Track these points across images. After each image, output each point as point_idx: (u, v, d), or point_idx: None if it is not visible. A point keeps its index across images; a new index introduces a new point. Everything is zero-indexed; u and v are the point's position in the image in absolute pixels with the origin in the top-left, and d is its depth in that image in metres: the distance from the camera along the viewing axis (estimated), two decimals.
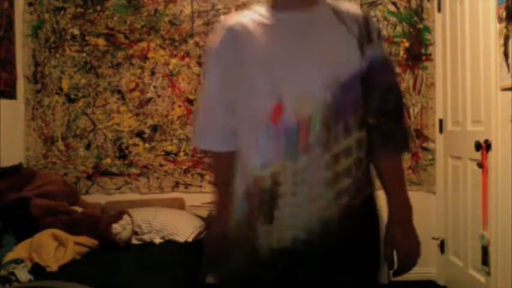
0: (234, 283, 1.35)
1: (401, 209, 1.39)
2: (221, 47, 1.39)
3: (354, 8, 1.39)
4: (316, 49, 1.29)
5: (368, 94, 1.32)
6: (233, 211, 1.38)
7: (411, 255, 1.40)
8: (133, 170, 3.73)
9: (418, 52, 3.69)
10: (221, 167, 1.43)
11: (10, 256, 2.47)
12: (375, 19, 1.60)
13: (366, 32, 1.33)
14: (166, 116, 3.71)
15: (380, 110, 1.33)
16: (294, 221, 1.26)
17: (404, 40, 3.69)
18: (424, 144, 3.70)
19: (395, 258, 1.38)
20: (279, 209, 1.26)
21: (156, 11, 3.70)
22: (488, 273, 2.80)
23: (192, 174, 3.72)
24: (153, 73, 3.71)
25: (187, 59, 3.71)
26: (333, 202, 1.27)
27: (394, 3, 3.69)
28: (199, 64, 3.70)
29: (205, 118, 1.43)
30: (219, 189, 1.45)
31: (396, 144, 1.38)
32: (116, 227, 2.89)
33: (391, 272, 1.42)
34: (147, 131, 3.72)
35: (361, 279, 1.33)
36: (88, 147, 3.72)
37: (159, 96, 3.71)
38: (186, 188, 3.72)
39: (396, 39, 3.69)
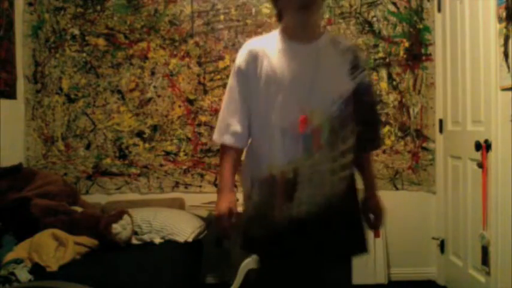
0: (262, 244, 1.81)
1: (374, 188, 1.98)
2: (243, 66, 1.83)
3: (346, 42, 1.94)
4: (325, 75, 1.74)
5: (355, 110, 1.79)
6: (255, 194, 1.82)
7: (381, 216, 1.94)
8: (133, 170, 3.73)
9: (418, 52, 3.70)
10: (229, 159, 1.85)
11: (10, 256, 2.47)
12: (361, 51, 2.18)
13: (355, 61, 1.80)
14: (166, 116, 3.71)
15: (363, 122, 1.82)
16: (309, 199, 1.74)
17: (404, 40, 3.69)
18: (424, 144, 3.70)
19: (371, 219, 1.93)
20: (298, 191, 1.74)
21: (156, 11, 3.70)
22: (488, 273, 2.80)
23: (192, 174, 3.72)
24: (153, 73, 3.71)
25: (187, 59, 3.71)
26: (336, 185, 1.77)
27: (394, 3, 3.69)
28: (199, 64, 3.71)
29: (224, 121, 1.86)
30: (226, 172, 1.85)
31: (372, 146, 1.96)
32: (116, 227, 2.89)
33: (369, 228, 1.93)
34: (147, 131, 3.72)
35: (351, 231, 1.85)
36: (88, 147, 3.72)
37: (159, 96, 3.72)
38: (186, 188, 3.73)
39: (396, 39, 3.69)
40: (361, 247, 1.86)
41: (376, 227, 1.93)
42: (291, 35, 1.81)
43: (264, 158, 1.79)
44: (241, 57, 1.85)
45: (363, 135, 1.83)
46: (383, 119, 3.70)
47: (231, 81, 1.87)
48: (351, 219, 1.85)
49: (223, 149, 1.87)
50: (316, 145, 1.74)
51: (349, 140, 1.78)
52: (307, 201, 1.74)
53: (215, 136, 1.89)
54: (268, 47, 1.82)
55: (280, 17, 1.87)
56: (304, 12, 1.74)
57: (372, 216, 1.93)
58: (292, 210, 1.74)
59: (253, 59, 1.81)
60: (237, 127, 1.83)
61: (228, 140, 1.84)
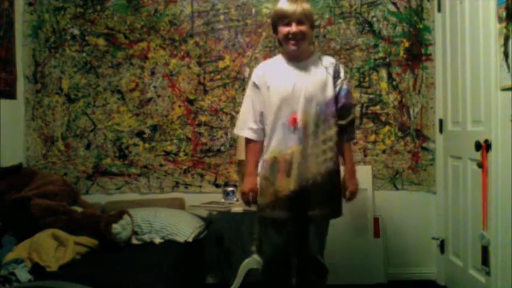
0: (266, 210, 2.52)
1: (351, 171, 2.58)
2: (256, 81, 2.55)
3: (330, 59, 2.60)
4: (311, 85, 2.46)
5: (336, 109, 2.52)
6: (264, 170, 2.51)
7: (356, 191, 2.58)
8: (133, 170, 3.73)
9: (418, 52, 3.70)
10: (250, 149, 2.58)
11: (10, 256, 2.47)
12: (342, 65, 2.64)
13: (336, 73, 2.52)
14: (166, 116, 3.72)
15: (342, 118, 2.53)
16: (301, 175, 2.43)
17: (404, 40, 3.69)
18: (424, 144, 3.70)
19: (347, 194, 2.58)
20: (294, 169, 2.43)
21: (156, 11, 3.70)
22: (488, 273, 2.80)
23: (192, 174, 3.72)
24: (153, 73, 3.71)
25: (187, 59, 3.71)
26: (321, 165, 2.46)
27: (394, 3, 3.69)
28: (199, 64, 3.71)
29: (243, 120, 2.60)
30: (249, 160, 2.57)
31: (348, 138, 2.58)
32: (116, 227, 2.89)
33: (345, 200, 2.59)
34: (147, 131, 3.72)
35: (330, 201, 2.52)
36: (88, 147, 3.72)
37: (159, 96, 3.72)
38: (186, 188, 3.73)
39: (396, 39, 3.69)
40: (337, 213, 2.56)
41: (350, 199, 2.58)
42: (288, 57, 2.54)
43: (270, 145, 2.50)
44: (255, 74, 2.59)
45: (342, 130, 2.52)
46: (383, 119, 3.70)
47: (248, 92, 2.60)
48: (331, 191, 2.50)
49: (246, 142, 2.60)
50: (304, 136, 2.43)
51: (329, 131, 2.47)
52: (300, 177, 2.42)
53: (236, 130, 2.67)
54: (274, 67, 2.55)
55: (280, 44, 2.58)
56: (294, 44, 2.46)
57: (347, 192, 2.56)
58: (289, 183, 2.43)
59: (263, 75, 2.54)
60: (252, 124, 2.55)
61: (246, 133, 2.56)
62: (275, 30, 2.54)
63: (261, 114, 2.54)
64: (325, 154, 2.45)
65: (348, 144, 2.59)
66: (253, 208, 2.69)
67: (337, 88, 2.50)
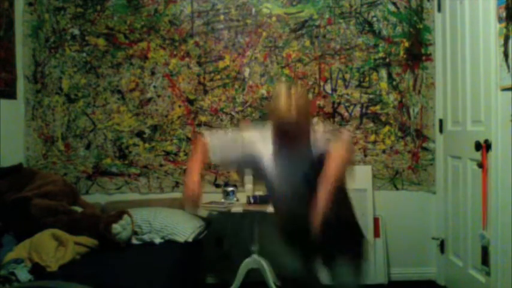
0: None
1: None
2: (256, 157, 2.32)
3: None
4: (299, 166, 2.25)
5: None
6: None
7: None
8: (133, 170, 3.73)
9: (418, 52, 3.70)
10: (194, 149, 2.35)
11: (10, 256, 2.47)
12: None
13: (321, 156, 2.17)
14: (166, 116, 3.71)
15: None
16: (292, 229, 2.30)
17: (404, 40, 3.69)
18: (424, 144, 3.70)
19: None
20: (288, 225, 2.32)
21: (156, 11, 3.70)
22: (488, 273, 2.80)
23: None
24: (153, 73, 3.71)
25: (187, 59, 3.71)
26: (306, 222, 2.11)
27: (394, 3, 3.69)
28: (199, 64, 3.71)
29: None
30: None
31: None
32: (116, 227, 2.89)
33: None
34: (147, 131, 3.72)
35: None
36: (88, 147, 3.72)
37: (159, 96, 3.71)
38: None
39: (396, 39, 3.69)
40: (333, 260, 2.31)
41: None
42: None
43: (274, 206, 2.44)
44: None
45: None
46: (383, 119, 3.70)
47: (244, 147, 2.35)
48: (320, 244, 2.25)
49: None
50: (294, 200, 2.25)
51: (312, 194, 2.14)
52: (291, 230, 2.32)
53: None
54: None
55: None
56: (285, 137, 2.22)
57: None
58: (287, 235, 2.36)
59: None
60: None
61: (207, 136, 2.30)
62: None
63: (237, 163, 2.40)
64: (309, 212, 2.20)
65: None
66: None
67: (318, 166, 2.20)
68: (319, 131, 2.28)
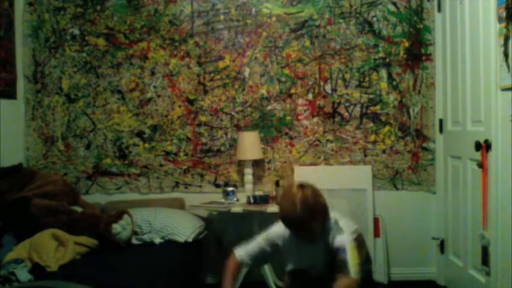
0: None
1: None
2: (270, 242, 2.47)
3: (336, 238, 2.33)
4: (317, 258, 2.35)
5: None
6: None
7: None
8: (133, 170, 3.73)
9: (418, 52, 3.69)
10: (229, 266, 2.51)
11: (10, 256, 2.47)
12: (345, 244, 2.32)
13: (335, 252, 2.27)
14: (166, 116, 3.71)
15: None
16: None
17: (404, 40, 3.69)
18: (424, 144, 3.70)
19: None
20: None
21: (156, 11, 3.70)
22: (488, 273, 2.80)
23: (192, 174, 3.72)
24: (153, 73, 3.71)
25: (187, 59, 3.71)
26: None
27: (394, 3, 3.69)
28: (199, 64, 3.71)
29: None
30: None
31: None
32: (116, 227, 2.88)
33: None
34: (147, 131, 3.72)
35: None
36: (88, 147, 3.72)
37: (159, 96, 3.71)
38: (186, 188, 3.73)
39: (396, 39, 3.69)
40: None
41: None
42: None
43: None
44: (273, 237, 2.46)
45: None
46: (383, 119, 3.70)
47: (263, 237, 2.49)
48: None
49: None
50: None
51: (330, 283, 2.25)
52: None
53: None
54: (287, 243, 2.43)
55: None
56: (297, 234, 2.34)
57: None
58: None
59: (277, 246, 2.45)
60: (244, 252, 2.49)
61: (236, 252, 2.51)
62: None
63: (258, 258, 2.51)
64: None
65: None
66: None
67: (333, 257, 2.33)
68: (343, 230, 2.32)
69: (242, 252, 2.50)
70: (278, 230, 2.44)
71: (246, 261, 2.49)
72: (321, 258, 2.35)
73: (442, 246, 3.58)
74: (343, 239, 2.29)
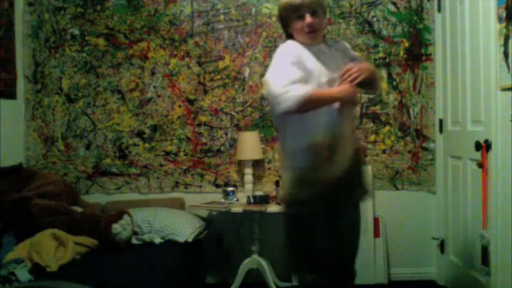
0: (309, 205, 2.16)
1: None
2: (293, 60, 2.16)
3: (336, 40, 2.80)
4: (336, 67, 2.24)
5: None
6: (301, 158, 2.16)
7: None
8: (133, 170, 3.73)
9: (418, 52, 3.69)
10: (317, 93, 2.15)
11: (10, 256, 2.47)
12: (344, 41, 2.52)
13: (345, 49, 2.37)
14: (166, 116, 3.72)
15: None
16: (343, 160, 2.15)
17: (404, 40, 3.69)
18: (424, 144, 3.70)
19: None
20: (336, 154, 2.15)
21: (156, 11, 3.70)
22: (488, 273, 2.80)
23: (192, 174, 3.72)
24: (153, 73, 3.71)
25: (187, 59, 3.71)
26: (354, 144, 2.23)
27: (394, 3, 3.69)
28: (199, 64, 3.71)
29: (286, 89, 2.07)
30: (325, 93, 2.20)
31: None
32: (116, 227, 2.89)
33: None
34: (147, 131, 3.72)
35: (361, 184, 2.33)
36: (88, 147, 3.72)
37: (159, 96, 3.72)
38: (186, 188, 3.73)
39: (396, 39, 3.69)
40: (367, 194, 2.36)
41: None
42: (306, 42, 2.25)
43: (306, 131, 2.17)
44: (289, 55, 2.19)
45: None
46: (383, 119, 3.70)
47: (285, 64, 2.15)
48: (361, 174, 2.33)
49: (305, 101, 2.06)
50: (341, 118, 2.17)
51: (354, 109, 2.30)
52: (341, 162, 2.15)
53: (281, 105, 2.05)
54: (302, 51, 2.22)
55: (291, 36, 2.29)
56: (311, 37, 2.23)
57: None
58: (334, 170, 2.14)
59: (298, 57, 2.18)
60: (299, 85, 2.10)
61: (302, 91, 2.06)
62: (284, 25, 2.28)
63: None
64: (353, 133, 2.32)
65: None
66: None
67: (351, 58, 2.34)
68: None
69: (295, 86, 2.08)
70: (292, 52, 2.20)
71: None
72: (335, 60, 2.27)
73: (442, 246, 3.58)
74: (350, 48, 2.41)
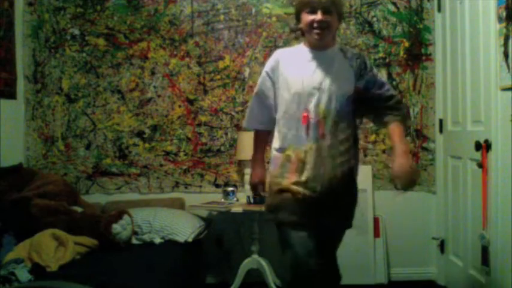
0: (273, 213, 2.25)
1: (397, 153, 2.18)
2: (268, 69, 2.37)
3: (353, 51, 2.38)
4: (332, 77, 2.20)
5: (372, 101, 2.29)
6: (273, 167, 2.27)
7: (404, 177, 2.15)
8: (133, 170, 3.73)
9: (418, 52, 3.70)
10: (259, 137, 2.43)
11: (10, 256, 2.47)
12: (367, 56, 2.56)
13: (362, 65, 2.27)
14: (166, 116, 3.72)
15: (376, 104, 2.28)
16: (315, 178, 2.16)
17: (404, 40, 3.69)
18: (424, 144, 3.70)
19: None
20: (307, 170, 2.17)
21: (156, 11, 3.70)
22: (488, 273, 2.80)
23: (192, 174, 3.72)
24: (153, 73, 3.71)
25: (187, 59, 3.71)
26: (338, 168, 2.17)
27: (394, 3, 3.69)
28: (199, 64, 3.71)
29: (251, 111, 2.43)
30: (256, 148, 2.43)
31: (393, 118, 2.26)
32: (116, 227, 2.89)
33: (398, 188, 2.20)
34: (147, 131, 3.72)
35: (347, 210, 2.30)
36: (88, 147, 3.72)
37: (159, 96, 3.72)
38: (186, 188, 3.73)
39: (396, 39, 3.69)
40: (347, 225, 2.34)
41: (402, 188, 2.18)
42: (309, 47, 2.30)
43: (282, 139, 2.26)
44: (268, 63, 2.39)
45: (379, 112, 2.28)
46: None
47: (259, 82, 2.43)
48: (346, 199, 2.27)
49: (255, 132, 2.46)
50: (320, 134, 2.18)
51: (347, 130, 2.22)
52: (313, 179, 2.16)
53: (246, 124, 2.48)
54: (291, 56, 2.32)
55: (302, 34, 2.32)
56: (318, 34, 2.22)
57: (396, 178, 2.18)
58: (300, 186, 2.16)
59: (277, 65, 2.33)
60: (260, 117, 2.39)
61: (257, 126, 2.43)
62: (298, 17, 2.27)
63: (271, 106, 2.34)
64: (342, 156, 2.20)
65: (394, 126, 2.24)
66: (263, 195, 2.46)
67: (364, 81, 2.26)
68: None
69: (252, 122, 2.44)
70: (272, 60, 2.38)
71: (268, 121, 2.38)
72: (336, 71, 2.23)
73: (442, 246, 3.58)
74: (369, 69, 2.29)
